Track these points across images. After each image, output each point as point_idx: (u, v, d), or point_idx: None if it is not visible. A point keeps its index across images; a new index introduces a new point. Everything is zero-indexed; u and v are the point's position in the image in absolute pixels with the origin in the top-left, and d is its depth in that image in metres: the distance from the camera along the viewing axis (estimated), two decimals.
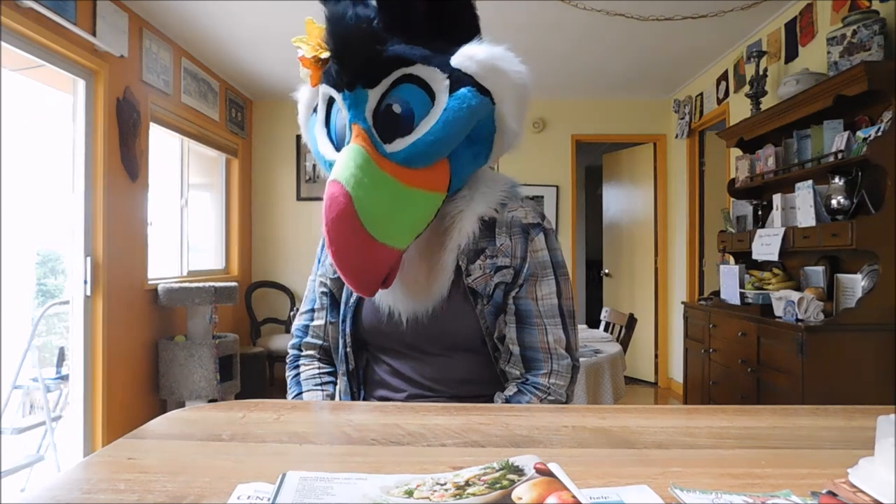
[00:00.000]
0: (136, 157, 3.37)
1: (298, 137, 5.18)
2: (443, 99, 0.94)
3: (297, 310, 1.23)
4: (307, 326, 1.18)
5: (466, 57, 0.95)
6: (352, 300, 1.09)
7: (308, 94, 1.07)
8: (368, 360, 1.12)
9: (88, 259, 3.02)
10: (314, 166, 5.19)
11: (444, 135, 0.93)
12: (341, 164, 0.88)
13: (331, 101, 1.00)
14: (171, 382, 3.51)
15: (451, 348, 1.05)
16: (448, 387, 1.06)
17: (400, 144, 0.92)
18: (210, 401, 3.42)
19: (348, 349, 1.09)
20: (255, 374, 4.21)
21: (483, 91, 0.95)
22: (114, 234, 3.15)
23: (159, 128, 3.74)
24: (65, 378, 2.98)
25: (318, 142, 1.02)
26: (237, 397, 3.82)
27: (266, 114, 5.25)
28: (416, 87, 0.94)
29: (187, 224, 4.24)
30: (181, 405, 3.53)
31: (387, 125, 0.93)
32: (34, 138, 3.11)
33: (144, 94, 3.49)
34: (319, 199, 5.16)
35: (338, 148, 0.99)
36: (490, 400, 1.06)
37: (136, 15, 3.39)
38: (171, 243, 4.09)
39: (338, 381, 1.15)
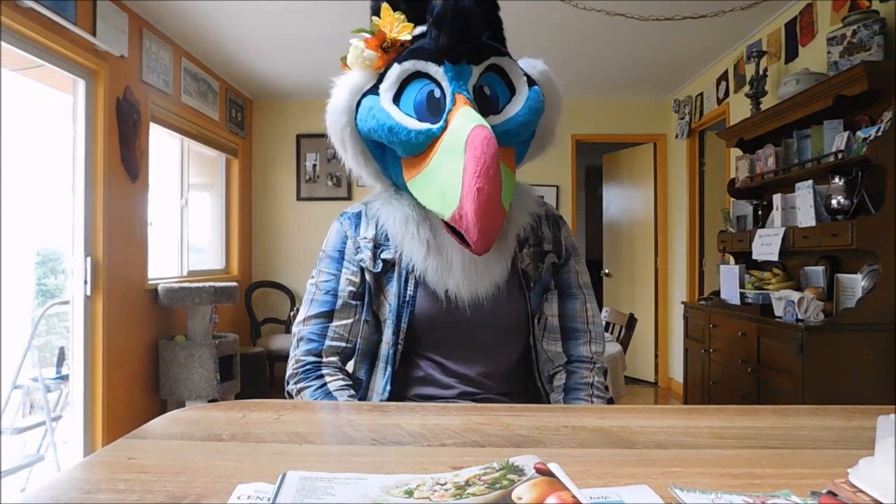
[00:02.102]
0: (136, 157, 3.37)
1: (298, 137, 5.18)
2: (524, 90, 1.05)
3: (298, 310, 1.21)
4: (325, 328, 1.10)
5: (530, 65, 1.10)
6: (408, 294, 1.07)
7: (358, 79, 1.07)
8: (411, 359, 1.11)
9: (88, 259, 3.02)
10: (314, 166, 5.19)
11: (530, 119, 1.03)
12: (474, 115, 0.93)
13: (404, 82, 1.03)
14: (171, 382, 3.51)
15: (502, 333, 1.11)
16: (496, 382, 1.10)
17: (495, 120, 1.01)
18: (210, 401, 3.42)
19: (399, 346, 1.07)
20: (255, 374, 4.21)
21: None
22: (114, 234, 3.15)
23: (159, 128, 3.74)
24: (65, 378, 2.98)
25: (393, 114, 1.01)
26: (237, 397, 3.82)
27: (266, 114, 5.25)
28: (498, 77, 1.05)
29: (187, 224, 4.24)
30: (181, 405, 3.53)
31: (480, 102, 1.01)
32: (34, 138, 3.11)
33: (144, 94, 3.49)
34: (319, 199, 5.18)
35: (419, 119, 1.01)
36: (529, 398, 1.12)
37: (136, 15, 3.39)
38: (171, 243, 4.09)
39: (372, 382, 1.12)
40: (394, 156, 1.05)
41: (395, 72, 1.02)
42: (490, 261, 1.05)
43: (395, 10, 1.05)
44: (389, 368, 1.08)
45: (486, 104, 1.01)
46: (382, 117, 1.01)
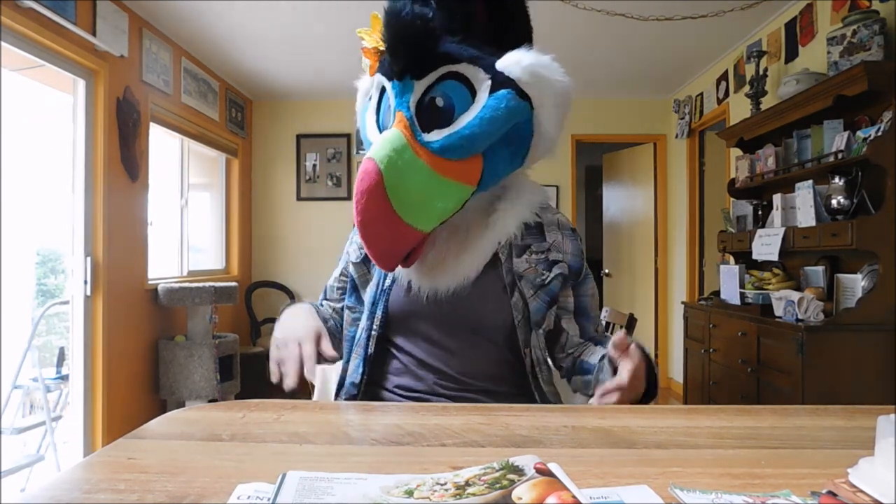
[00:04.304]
0: (136, 157, 3.37)
1: (298, 137, 5.19)
2: (483, 97, 1.00)
3: None
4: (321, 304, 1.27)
5: (512, 62, 1.01)
6: (385, 284, 1.12)
7: (367, 82, 1.14)
8: (388, 350, 1.13)
9: (88, 259, 3.01)
10: (314, 166, 5.19)
11: (480, 131, 0.98)
12: (379, 144, 0.96)
13: (383, 90, 1.07)
14: (171, 382, 3.51)
15: (480, 333, 1.09)
16: (474, 379, 1.08)
17: (437, 135, 0.98)
18: (210, 401, 3.42)
19: (373, 332, 1.10)
20: (255, 374, 4.21)
21: (523, 95, 1.01)
22: (114, 234, 3.15)
23: (159, 128, 3.74)
24: (65, 378, 2.97)
25: (367, 126, 1.10)
26: (237, 397, 3.82)
27: (266, 114, 5.25)
28: (459, 84, 1.00)
29: (187, 224, 4.24)
30: (181, 405, 3.53)
31: (428, 116, 1.00)
32: (34, 138, 3.10)
33: (144, 94, 3.49)
34: (319, 199, 5.18)
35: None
36: (511, 399, 1.09)
37: (136, 15, 3.39)
38: (171, 243, 4.09)
39: (347, 367, 1.15)
40: None
41: (373, 84, 1.09)
42: (459, 260, 1.06)
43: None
44: (362, 352, 1.12)
45: (434, 117, 0.99)
46: (362, 126, 1.13)
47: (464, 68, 1.00)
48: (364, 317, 1.14)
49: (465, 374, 1.08)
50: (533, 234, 1.12)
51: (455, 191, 0.99)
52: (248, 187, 5.21)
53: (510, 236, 1.08)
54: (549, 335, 1.15)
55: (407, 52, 0.98)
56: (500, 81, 1.00)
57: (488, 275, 1.08)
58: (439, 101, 1.00)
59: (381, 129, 1.07)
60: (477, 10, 1.04)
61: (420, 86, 1.00)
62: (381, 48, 1.05)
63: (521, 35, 1.07)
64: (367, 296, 1.15)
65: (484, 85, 1.00)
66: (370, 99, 1.12)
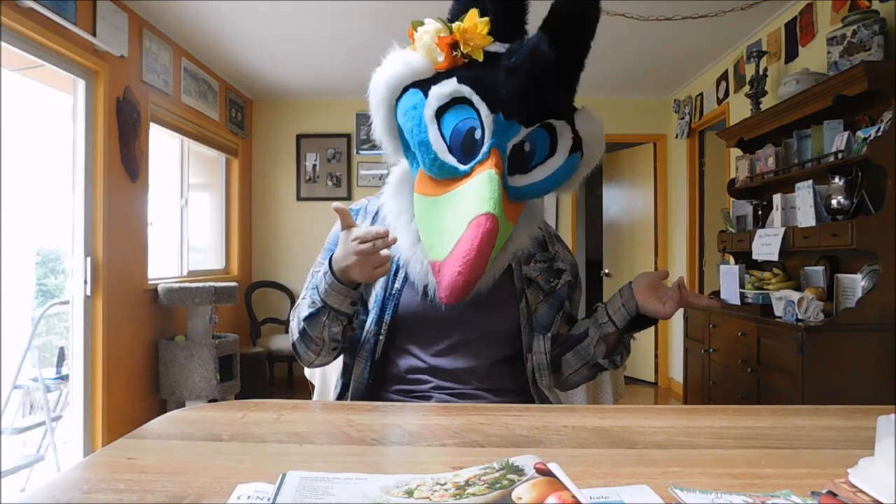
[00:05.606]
0: (136, 157, 3.37)
1: (298, 137, 5.18)
2: (561, 158, 1.05)
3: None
4: None
5: (588, 120, 1.10)
6: (394, 287, 1.11)
7: (418, 65, 1.01)
8: (393, 353, 1.12)
9: (88, 259, 3.01)
10: (314, 166, 5.19)
11: (550, 187, 1.06)
12: (492, 196, 0.90)
13: (454, 101, 0.98)
14: (171, 382, 3.51)
15: (488, 339, 1.10)
16: (476, 378, 1.09)
17: (518, 181, 1.02)
18: (210, 401, 3.42)
19: (381, 337, 1.09)
20: (255, 374, 4.21)
21: (580, 154, 1.09)
22: (114, 234, 3.15)
23: (159, 128, 3.74)
24: (65, 378, 2.97)
25: (430, 133, 1.00)
26: (237, 397, 3.82)
27: (266, 114, 5.25)
28: (547, 134, 1.03)
29: (187, 224, 4.24)
30: (181, 405, 3.53)
31: (513, 158, 1.00)
32: (34, 138, 3.11)
33: (144, 94, 3.49)
34: (319, 199, 5.18)
35: (450, 149, 0.99)
36: (512, 395, 1.11)
37: (136, 15, 3.39)
38: (171, 243, 4.09)
39: (354, 368, 1.14)
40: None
41: (450, 87, 0.98)
42: None
43: (482, 14, 0.98)
44: (370, 357, 1.10)
45: (519, 161, 1.01)
46: (419, 126, 1.00)
47: (560, 125, 1.04)
48: (370, 320, 1.12)
49: (470, 377, 1.09)
50: (537, 244, 1.17)
51: (506, 231, 0.98)
52: (248, 187, 5.21)
53: (524, 248, 1.12)
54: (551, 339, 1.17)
55: (537, 102, 0.97)
56: (576, 142, 1.06)
57: (500, 281, 1.10)
58: (527, 147, 1.01)
59: (445, 141, 0.99)
60: (571, 63, 1.07)
61: (524, 132, 0.99)
62: (471, 55, 0.98)
63: (572, 95, 1.12)
64: (373, 299, 1.13)
65: (566, 144, 1.05)
66: (426, 87, 1.00)
